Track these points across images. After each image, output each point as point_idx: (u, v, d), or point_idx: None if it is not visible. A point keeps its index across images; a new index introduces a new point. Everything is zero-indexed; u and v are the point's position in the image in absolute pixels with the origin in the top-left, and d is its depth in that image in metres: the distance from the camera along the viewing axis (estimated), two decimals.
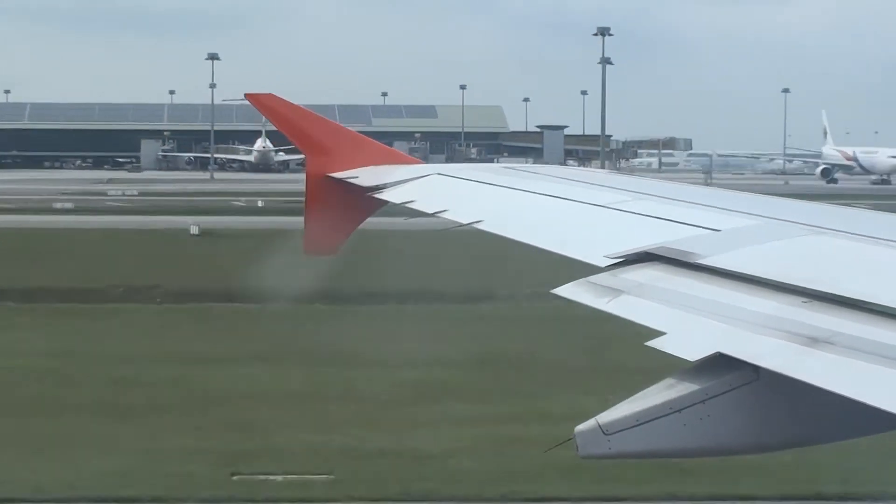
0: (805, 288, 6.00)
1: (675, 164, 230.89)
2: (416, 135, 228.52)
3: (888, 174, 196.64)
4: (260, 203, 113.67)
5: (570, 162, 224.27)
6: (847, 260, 6.43)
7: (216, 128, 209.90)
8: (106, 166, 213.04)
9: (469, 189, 9.56)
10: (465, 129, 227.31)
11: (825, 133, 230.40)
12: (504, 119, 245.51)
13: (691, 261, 6.81)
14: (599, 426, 5.71)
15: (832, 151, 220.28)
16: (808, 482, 23.15)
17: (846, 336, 5.48)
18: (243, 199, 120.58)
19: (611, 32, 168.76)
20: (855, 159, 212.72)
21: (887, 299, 5.57)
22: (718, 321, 6.02)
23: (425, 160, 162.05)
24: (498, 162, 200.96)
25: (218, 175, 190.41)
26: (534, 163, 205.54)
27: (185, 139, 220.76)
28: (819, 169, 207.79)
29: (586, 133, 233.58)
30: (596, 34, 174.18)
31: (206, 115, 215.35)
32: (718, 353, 5.71)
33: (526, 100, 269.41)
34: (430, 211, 9.27)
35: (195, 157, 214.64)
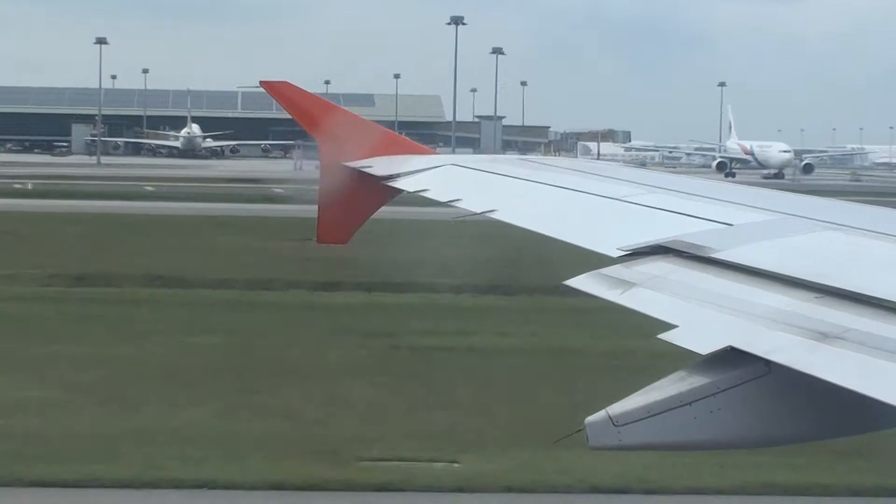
0: (818, 283, 5.99)
1: (615, 156, 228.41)
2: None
3: (780, 168, 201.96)
4: None
5: (510, 152, 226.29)
6: (859, 256, 6.39)
7: (149, 113, 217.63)
8: (36, 150, 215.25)
9: (483, 179, 9.49)
10: (403, 118, 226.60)
11: (730, 127, 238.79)
12: (441, 109, 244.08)
13: (704, 254, 6.79)
14: (610, 417, 5.68)
15: (733, 145, 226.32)
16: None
17: (858, 332, 5.47)
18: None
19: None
20: (751, 153, 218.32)
21: (881, 290, 5.68)
22: (731, 315, 6.01)
23: None
24: (436, 149, 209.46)
25: (130, 160, 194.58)
26: (473, 152, 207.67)
27: (118, 124, 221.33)
28: (715, 162, 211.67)
29: (526, 124, 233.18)
30: (449, 23, 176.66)
31: (141, 101, 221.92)
32: (730, 346, 5.70)
33: (473, 90, 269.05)
34: (444, 199, 9.23)
35: (125, 141, 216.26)
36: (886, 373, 5.13)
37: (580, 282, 6.96)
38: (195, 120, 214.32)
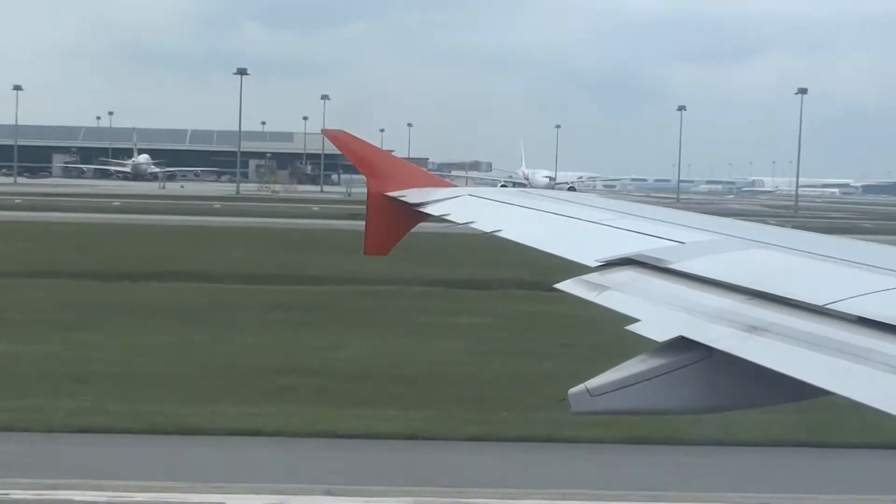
0: (749, 288, 6.03)
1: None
2: (268, 154, 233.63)
3: (545, 188, 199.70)
4: None
5: None
6: (780, 267, 6.46)
7: (114, 146, 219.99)
8: (26, 174, 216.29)
9: (493, 206, 9.65)
10: (312, 151, 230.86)
11: (521, 157, 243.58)
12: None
13: (662, 265, 6.81)
14: (587, 389, 5.66)
15: (519, 172, 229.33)
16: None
17: (779, 326, 5.48)
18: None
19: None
20: (527, 178, 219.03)
21: (809, 298, 5.62)
22: (681, 312, 6.04)
23: (273, 173, 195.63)
24: (339, 176, 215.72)
25: (94, 182, 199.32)
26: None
27: (91, 154, 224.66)
28: (500, 184, 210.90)
29: (411, 156, 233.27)
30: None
31: (111, 136, 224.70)
32: (681, 336, 5.74)
33: (382, 130, 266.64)
34: (461, 222, 9.34)
35: (91, 168, 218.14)
36: (801, 357, 5.13)
37: (566, 285, 6.97)
38: (151, 152, 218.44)
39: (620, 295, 6.55)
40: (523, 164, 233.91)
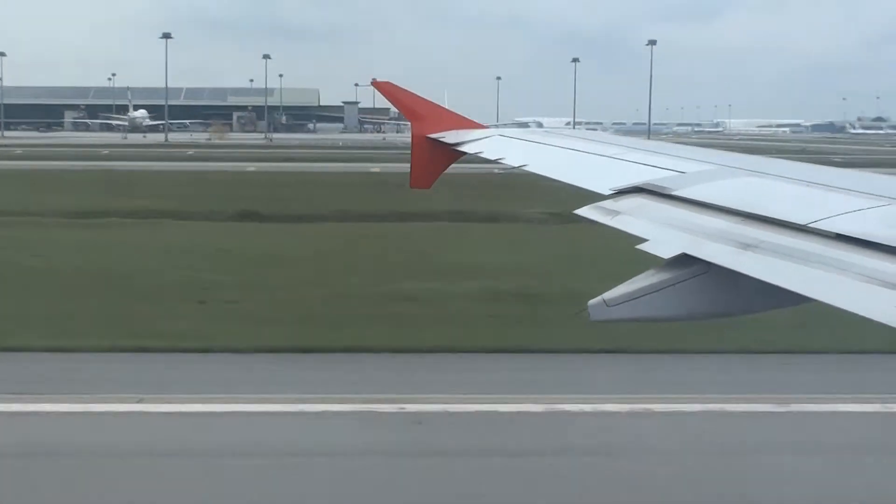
0: (742, 210, 5.99)
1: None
2: (248, 107, 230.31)
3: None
4: None
5: (367, 127, 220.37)
6: (769, 192, 6.41)
7: (117, 103, 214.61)
8: (42, 128, 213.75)
9: (520, 144, 9.65)
10: (288, 104, 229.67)
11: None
12: (317, 97, 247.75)
13: (666, 192, 6.78)
14: (604, 300, 5.70)
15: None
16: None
17: (769, 243, 5.46)
18: None
19: None
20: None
21: (794, 218, 5.57)
22: (684, 232, 6.02)
23: (252, 124, 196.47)
24: (314, 125, 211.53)
25: (79, 133, 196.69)
26: (345, 127, 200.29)
27: (100, 111, 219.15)
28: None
29: (376, 106, 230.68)
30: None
31: (114, 95, 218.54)
32: (683, 253, 5.73)
33: (357, 84, 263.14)
34: (493, 158, 9.30)
35: (100, 122, 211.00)
36: (787, 269, 5.12)
37: (584, 211, 6.94)
38: (150, 107, 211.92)
39: (630, 219, 6.54)
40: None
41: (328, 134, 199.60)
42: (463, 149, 9.79)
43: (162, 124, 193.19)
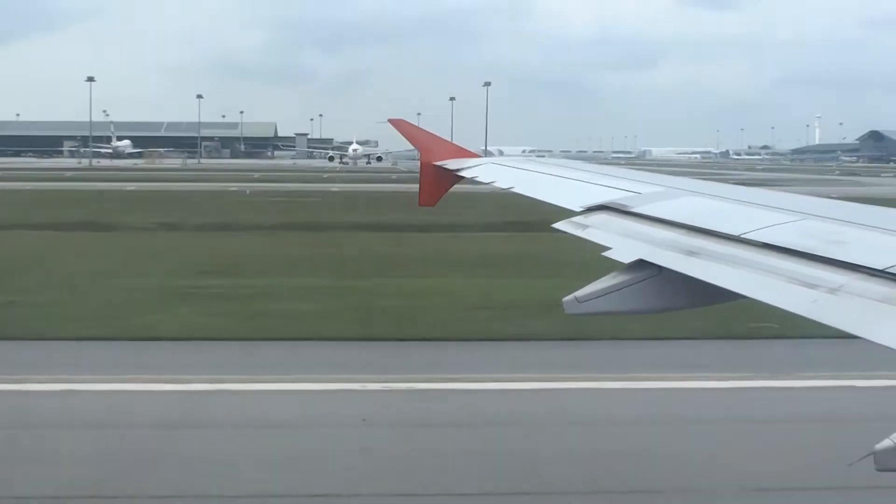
0: (686, 224, 6.02)
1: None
2: (214, 138, 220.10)
3: (356, 160, 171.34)
4: None
5: (314, 153, 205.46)
6: (708, 209, 6.44)
7: (104, 134, 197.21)
8: (45, 156, 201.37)
9: (508, 170, 9.75)
10: (249, 135, 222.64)
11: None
12: (274, 129, 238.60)
13: (626, 210, 6.82)
14: (576, 297, 5.73)
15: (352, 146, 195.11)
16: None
17: (708, 251, 5.50)
18: None
19: None
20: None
21: (728, 230, 5.62)
22: (640, 242, 6.04)
23: (217, 152, 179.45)
24: (272, 152, 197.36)
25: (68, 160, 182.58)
26: (294, 155, 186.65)
27: (95, 141, 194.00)
28: (327, 155, 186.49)
29: (322, 137, 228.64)
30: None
31: (104, 128, 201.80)
32: (640, 259, 5.76)
33: (312, 118, 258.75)
34: (486, 182, 9.36)
35: (91, 150, 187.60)
36: (723, 272, 5.15)
37: (560, 225, 7.01)
38: (132, 138, 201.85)
39: (597, 231, 6.55)
40: (354, 139, 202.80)
41: (281, 160, 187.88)
42: (462, 174, 9.87)
43: (142, 151, 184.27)
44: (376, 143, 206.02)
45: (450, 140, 10.84)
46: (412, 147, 10.92)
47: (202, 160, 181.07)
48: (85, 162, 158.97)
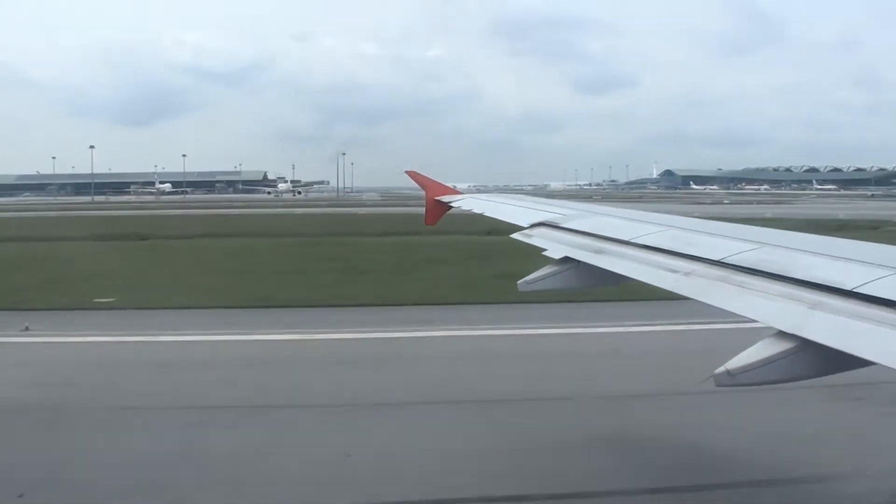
0: (596, 233, 6.14)
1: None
2: (221, 182, 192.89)
3: (281, 193, 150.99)
4: None
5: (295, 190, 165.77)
6: (611, 224, 6.44)
7: (151, 181, 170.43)
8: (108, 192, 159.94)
9: (481, 202, 9.34)
10: (246, 178, 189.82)
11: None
12: (264, 175, 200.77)
13: (556, 225, 6.91)
14: (525, 281, 5.93)
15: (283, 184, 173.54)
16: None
17: (609, 250, 5.58)
18: None
19: None
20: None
21: (623, 237, 5.69)
22: (565, 245, 6.14)
23: (223, 191, 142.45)
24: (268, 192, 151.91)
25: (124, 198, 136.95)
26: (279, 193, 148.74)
27: (146, 185, 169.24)
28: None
29: (294, 178, 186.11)
30: None
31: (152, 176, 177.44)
32: (565, 256, 5.89)
33: (293, 166, 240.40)
34: (467, 209, 9.32)
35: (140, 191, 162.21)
36: (619, 263, 5.28)
37: (515, 235, 7.17)
38: (172, 182, 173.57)
39: (538, 238, 6.64)
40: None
41: (255, 196, 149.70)
42: (452, 205, 9.96)
43: (178, 191, 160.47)
44: (327, 181, 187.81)
45: (442, 183, 10.89)
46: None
47: (193, 195, 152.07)
48: (148, 198, 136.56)
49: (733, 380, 3.45)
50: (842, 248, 4.50)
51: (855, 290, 3.61)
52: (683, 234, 5.40)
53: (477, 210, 9.17)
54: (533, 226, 7.07)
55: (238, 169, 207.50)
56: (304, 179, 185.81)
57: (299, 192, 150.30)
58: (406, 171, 10.83)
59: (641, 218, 6.57)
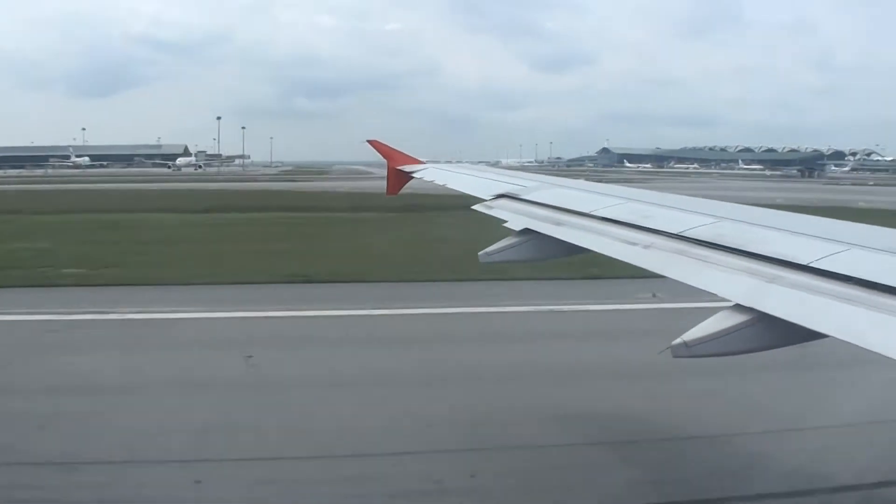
0: (555, 205, 6.16)
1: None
2: (139, 154, 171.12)
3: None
4: None
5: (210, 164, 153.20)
6: (570, 196, 6.52)
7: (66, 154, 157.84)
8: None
9: (442, 172, 9.36)
10: (166, 153, 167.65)
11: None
12: (185, 149, 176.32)
13: (517, 197, 6.91)
14: (486, 252, 5.90)
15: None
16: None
17: (568, 222, 5.63)
18: None
19: None
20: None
21: (582, 209, 5.70)
22: (526, 217, 6.16)
23: (141, 165, 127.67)
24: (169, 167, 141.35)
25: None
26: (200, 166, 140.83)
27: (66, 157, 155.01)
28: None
29: (218, 152, 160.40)
30: None
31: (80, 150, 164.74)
32: (526, 227, 5.90)
33: (214, 138, 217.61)
34: (429, 180, 9.23)
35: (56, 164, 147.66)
36: (577, 235, 5.30)
37: (476, 207, 7.12)
38: (91, 156, 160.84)
39: (499, 210, 6.65)
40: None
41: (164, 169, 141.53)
42: (414, 175, 9.82)
43: (95, 165, 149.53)
44: (248, 156, 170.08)
45: (403, 152, 10.82)
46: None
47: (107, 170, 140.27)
48: (52, 172, 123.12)
49: (690, 351, 3.48)
50: (798, 223, 4.58)
51: (810, 265, 3.66)
52: (642, 207, 5.46)
53: (439, 181, 9.08)
54: (495, 197, 7.06)
55: (159, 143, 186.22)
56: (226, 154, 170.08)
57: (200, 167, 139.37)
58: (367, 141, 10.59)
59: (601, 190, 6.60)
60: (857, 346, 3.03)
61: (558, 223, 5.69)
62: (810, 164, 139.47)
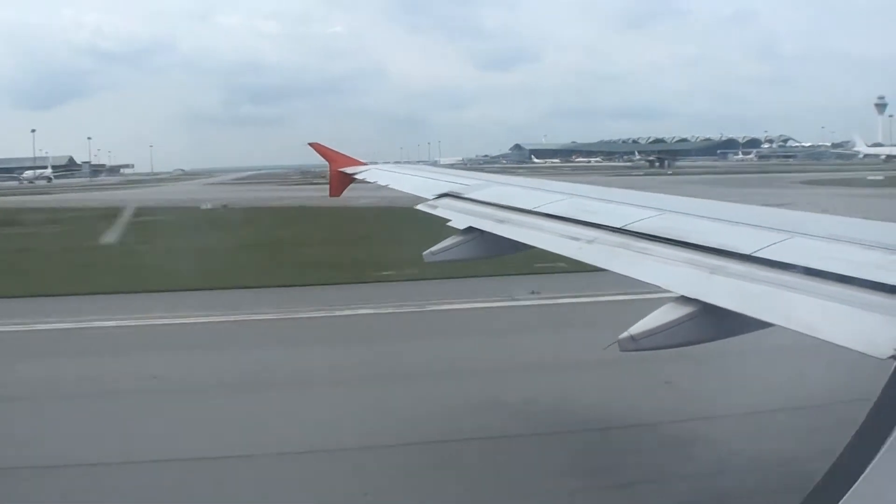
0: (499, 204, 6.10)
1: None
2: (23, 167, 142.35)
3: None
4: None
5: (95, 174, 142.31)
6: (512, 194, 6.45)
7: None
8: None
9: (385, 173, 9.27)
10: (51, 163, 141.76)
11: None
12: (69, 159, 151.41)
13: (460, 195, 6.86)
14: (431, 251, 5.87)
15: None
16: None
17: (511, 219, 5.57)
18: None
19: None
20: None
21: (524, 206, 5.68)
22: (469, 215, 6.10)
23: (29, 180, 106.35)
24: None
25: None
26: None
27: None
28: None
29: (100, 163, 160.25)
30: None
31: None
32: (470, 226, 5.85)
33: (151, 146, 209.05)
34: (371, 181, 9.10)
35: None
36: (520, 232, 5.28)
37: (420, 206, 7.02)
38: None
39: (443, 210, 6.58)
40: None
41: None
42: (356, 176, 9.69)
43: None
44: (132, 165, 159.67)
45: (345, 154, 10.61)
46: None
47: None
48: None
49: (637, 344, 3.42)
50: (738, 213, 4.58)
51: (752, 255, 3.61)
52: (585, 202, 5.43)
53: (382, 182, 8.92)
54: (438, 197, 7.00)
55: (45, 154, 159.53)
56: (110, 164, 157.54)
57: (50, 180, 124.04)
58: (310, 144, 10.47)
59: (544, 187, 6.56)
60: (802, 333, 2.94)
61: (501, 221, 5.63)
62: (667, 156, 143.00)
